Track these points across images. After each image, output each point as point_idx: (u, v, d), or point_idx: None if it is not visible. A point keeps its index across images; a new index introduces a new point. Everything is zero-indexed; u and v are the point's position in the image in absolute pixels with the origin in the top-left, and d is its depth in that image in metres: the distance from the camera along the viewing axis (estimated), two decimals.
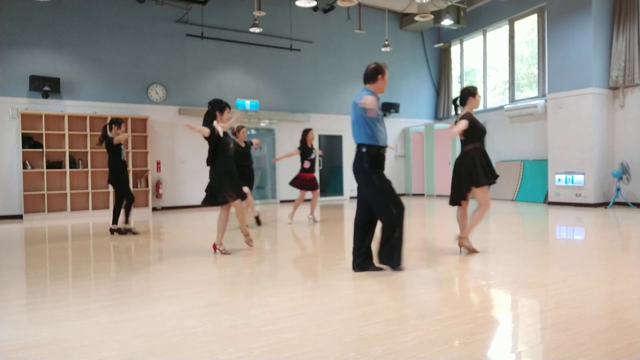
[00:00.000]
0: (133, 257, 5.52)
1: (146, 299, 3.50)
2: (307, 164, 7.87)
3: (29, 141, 9.82)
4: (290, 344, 2.50)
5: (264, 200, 13.00)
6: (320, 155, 7.88)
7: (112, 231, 7.01)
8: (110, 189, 8.94)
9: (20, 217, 9.77)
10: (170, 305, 3.29)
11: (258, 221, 7.80)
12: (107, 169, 7.01)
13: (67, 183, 10.13)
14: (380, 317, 2.94)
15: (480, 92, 4.78)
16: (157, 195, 11.25)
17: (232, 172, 5.11)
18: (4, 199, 9.73)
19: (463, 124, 4.64)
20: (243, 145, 7.37)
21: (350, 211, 10.69)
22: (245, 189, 5.61)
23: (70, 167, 10.19)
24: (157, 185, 11.24)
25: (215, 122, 5.03)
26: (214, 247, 5.21)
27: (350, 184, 14.05)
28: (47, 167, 9.95)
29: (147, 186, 10.97)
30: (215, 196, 5.01)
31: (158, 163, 11.30)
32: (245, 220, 5.37)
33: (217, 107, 5.07)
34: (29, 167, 9.83)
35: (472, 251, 4.90)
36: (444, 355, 2.33)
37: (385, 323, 2.80)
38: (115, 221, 7.01)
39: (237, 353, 2.39)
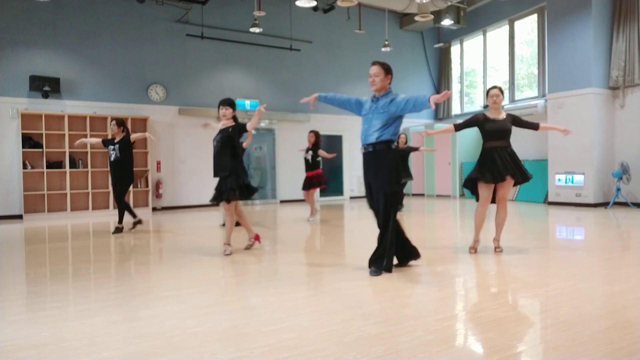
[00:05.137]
0: (133, 257, 5.52)
1: (146, 299, 3.50)
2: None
3: (29, 141, 9.82)
4: (290, 344, 2.50)
5: (265, 200, 13.00)
6: (306, 154, 8.30)
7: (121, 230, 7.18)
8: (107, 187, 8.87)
9: (20, 217, 9.77)
10: (170, 305, 3.29)
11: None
12: (126, 168, 7.06)
13: (67, 183, 10.13)
14: (380, 317, 2.94)
15: (492, 90, 4.92)
16: (157, 196, 11.24)
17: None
18: (4, 199, 9.73)
19: (443, 128, 5.12)
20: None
21: (350, 211, 10.69)
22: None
23: (70, 167, 10.19)
24: (157, 185, 11.24)
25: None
26: (257, 238, 5.51)
27: (350, 184, 14.06)
28: (47, 167, 9.95)
29: (147, 186, 10.97)
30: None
31: (158, 163, 11.30)
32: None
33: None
34: (29, 167, 9.83)
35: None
36: (444, 355, 2.33)
37: (385, 323, 2.80)
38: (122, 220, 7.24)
39: (237, 353, 2.39)
